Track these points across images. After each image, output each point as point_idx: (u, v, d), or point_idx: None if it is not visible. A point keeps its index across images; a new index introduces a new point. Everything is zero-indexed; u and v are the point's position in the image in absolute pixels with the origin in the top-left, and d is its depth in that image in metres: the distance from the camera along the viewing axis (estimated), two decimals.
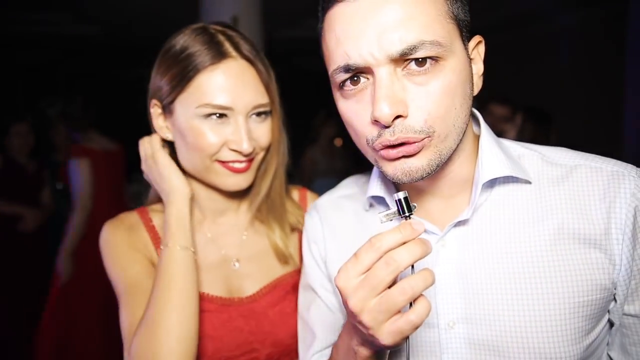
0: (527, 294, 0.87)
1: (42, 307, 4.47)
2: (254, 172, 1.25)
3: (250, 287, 1.27)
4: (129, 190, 7.33)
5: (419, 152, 0.81)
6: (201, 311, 1.17)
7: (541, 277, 0.87)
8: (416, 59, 0.77)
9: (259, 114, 1.20)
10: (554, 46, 7.56)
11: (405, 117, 0.78)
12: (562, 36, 7.44)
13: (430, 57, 0.77)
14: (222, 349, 1.18)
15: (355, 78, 0.81)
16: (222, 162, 1.18)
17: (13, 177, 4.18)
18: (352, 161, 5.09)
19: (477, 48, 0.90)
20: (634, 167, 0.91)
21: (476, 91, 0.90)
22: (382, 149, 0.82)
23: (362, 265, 0.71)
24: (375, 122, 0.80)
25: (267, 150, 1.26)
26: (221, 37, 1.17)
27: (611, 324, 0.93)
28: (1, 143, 4.22)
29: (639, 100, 5.54)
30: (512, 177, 0.92)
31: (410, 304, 0.71)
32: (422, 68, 0.78)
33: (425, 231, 0.95)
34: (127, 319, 1.11)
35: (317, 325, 1.12)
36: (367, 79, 0.81)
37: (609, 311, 0.91)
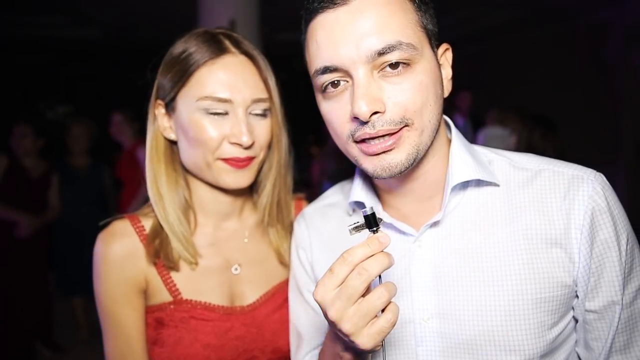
0: (494, 290, 0.94)
1: (46, 315, 4.49)
2: (255, 170, 1.24)
3: (250, 293, 1.28)
4: None
5: (397, 145, 0.88)
6: (203, 320, 1.19)
7: (507, 274, 0.93)
8: (390, 63, 0.85)
9: (258, 112, 1.20)
10: (555, 50, 7.59)
11: (383, 112, 0.86)
12: (563, 40, 7.47)
13: (403, 62, 0.86)
14: (224, 358, 1.19)
15: (336, 82, 0.89)
16: (223, 159, 1.18)
17: (16, 179, 4.18)
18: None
19: (445, 55, 0.99)
20: (594, 171, 0.97)
21: (446, 94, 0.97)
22: (362, 142, 0.89)
23: (337, 278, 0.78)
24: (355, 118, 0.87)
25: (269, 150, 1.27)
26: (221, 36, 1.21)
27: (576, 320, 0.98)
28: (7, 144, 4.25)
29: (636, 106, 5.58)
30: (483, 180, 0.99)
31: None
32: (395, 70, 0.86)
33: (403, 233, 1.02)
34: (105, 342, 1.22)
35: (304, 327, 1.18)
36: (347, 81, 0.89)
37: (573, 308, 0.97)
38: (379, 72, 0.87)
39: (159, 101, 1.24)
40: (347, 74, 0.87)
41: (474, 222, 0.98)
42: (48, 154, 4.53)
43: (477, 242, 0.97)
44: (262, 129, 1.21)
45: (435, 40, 0.94)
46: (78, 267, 4.65)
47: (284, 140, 1.29)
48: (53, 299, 4.72)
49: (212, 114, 1.15)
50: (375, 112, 0.86)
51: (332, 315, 0.77)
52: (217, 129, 1.15)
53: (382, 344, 0.80)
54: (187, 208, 1.26)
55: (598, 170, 0.98)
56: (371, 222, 0.79)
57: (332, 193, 1.25)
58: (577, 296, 0.95)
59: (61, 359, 4.56)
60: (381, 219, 0.81)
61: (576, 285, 0.93)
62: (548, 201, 0.95)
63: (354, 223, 0.81)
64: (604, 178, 0.96)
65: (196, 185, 1.27)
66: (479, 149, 1.07)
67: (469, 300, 0.95)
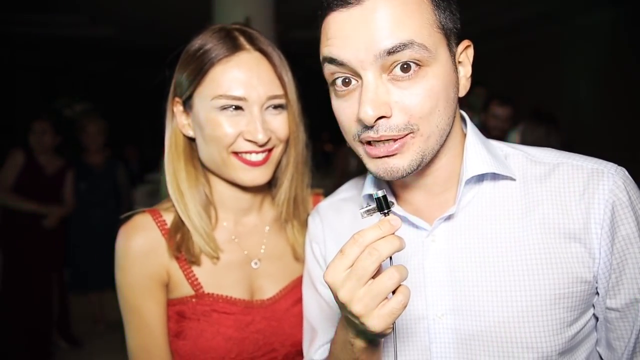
0: (511, 286, 0.92)
1: (62, 308, 4.61)
2: (273, 166, 1.24)
3: (270, 287, 1.29)
4: (144, 189, 7.43)
5: (401, 151, 0.87)
6: (225, 314, 1.21)
7: (524, 269, 0.92)
8: (401, 65, 0.83)
9: (274, 107, 1.20)
10: (577, 46, 7.47)
11: (389, 117, 0.85)
12: (586, 36, 7.35)
13: (415, 62, 0.83)
14: (245, 351, 1.21)
15: (347, 80, 0.88)
16: (238, 155, 1.18)
17: (32, 175, 4.27)
18: None
19: (466, 52, 0.96)
20: (614, 165, 0.94)
21: (463, 93, 0.95)
22: (367, 143, 0.89)
23: (348, 259, 0.77)
24: (360, 121, 0.86)
25: (286, 145, 1.27)
26: (236, 33, 1.21)
27: (597, 318, 0.96)
28: (25, 141, 4.34)
29: None
30: (499, 174, 0.97)
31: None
32: (406, 74, 0.84)
33: (416, 227, 1.01)
34: (127, 335, 1.22)
35: (318, 321, 1.18)
36: (357, 81, 0.88)
37: (593, 305, 0.94)
38: (388, 74, 0.85)
39: (177, 99, 1.25)
40: (356, 73, 0.86)
41: (489, 217, 0.97)
42: (64, 151, 4.61)
43: (492, 237, 0.95)
44: (279, 123, 1.21)
45: (454, 39, 0.92)
46: (93, 263, 4.75)
47: (301, 136, 1.29)
48: (69, 293, 4.82)
49: (227, 110, 1.16)
50: (381, 117, 0.84)
51: (343, 296, 0.77)
52: (232, 125, 1.16)
53: (393, 328, 0.79)
54: (208, 204, 1.27)
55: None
56: (382, 205, 0.79)
57: (346, 188, 1.25)
58: (597, 293, 0.93)
59: (78, 352, 4.65)
60: (393, 202, 0.81)
61: (596, 282, 0.91)
62: (566, 195, 0.93)
63: (366, 206, 0.81)
64: (626, 172, 0.93)
65: (215, 181, 1.28)
66: (495, 143, 1.05)
67: (485, 296, 0.93)
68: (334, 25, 0.87)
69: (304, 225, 1.33)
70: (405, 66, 0.83)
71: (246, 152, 1.18)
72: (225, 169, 1.20)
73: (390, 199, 0.96)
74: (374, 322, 0.76)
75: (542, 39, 7.90)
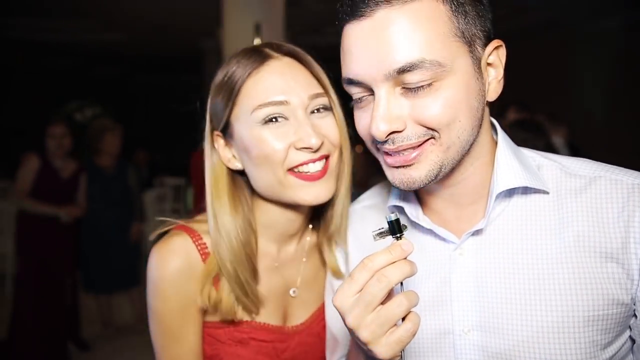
0: (540, 304, 0.88)
1: (74, 312, 4.64)
2: (333, 178, 1.13)
3: (302, 313, 1.26)
4: (152, 194, 7.46)
5: (419, 161, 0.85)
6: (263, 342, 1.18)
7: (556, 288, 0.88)
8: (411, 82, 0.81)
9: (318, 110, 1.12)
10: (586, 53, 7.41)
11: (402, 130, 0.83)
12: (595, 43, 7.29)
13: (424, 84, 0.81)
14: None
15: (362, 95, 0.88)
16: (295, 172, 1.09)
17: (47, 180, 4.31)
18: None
19: (497, 52, 0.89)
20: None
21: (494, 97, 0.91)
22: (384, 153, 0.88)
23: (357, 284, 0.76)
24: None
25: (340, 153, 1.16)
26: (260, 47, 1.16)
27: (633, 341, 0.91)
28: (39, 145, 4.38)
29: None
30: (530, 187, 0.93)
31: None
32: (417, 87, 0.82)
33: (443, 239, 0.98)
34: (162, 357, 1.15)
35: (340, 331, 1.15)
36: (372, 95, 0.86)
37: (630, 328, 0.90)
38: (401, 88, 0.82)
39: (216, 132, 1.17)
40: (370, 88, 0.85)
41: (519, 231, 0.93)
42: (76, 155, 4.64)
43: (523, 253, 0.91)
44: (328, 125, 1.12)
45: (481, 42, 0.86)
46: (103, 266, 4.77)
47: (348, 147, 1.18)
48: (82, 291, 4.85)
49: (271, 121, 1.08)
50: (393, 132, 0.83)
51: (350, 322, 0.76)
52: (279, 138, 1.07)
53: (401, 355, 0.78)
54: (250, 241, 1.18)
55: None
56: (395, 229, 0.77)
57: (370, 195, 1.21)
58: (635, 315, 0.88)
59: (86, 356, 4.64)
60: (405, 226, 0.78)
61: (634, 304, 0.86)
62: (604, 211, 0.88)
63: (379, 229, 0.79)
64: None
65: (268, 208, 1.19)
66: (527, 152, 1.01)
67: (514, 313, 0.90)
68: (347, 39, 0.86)
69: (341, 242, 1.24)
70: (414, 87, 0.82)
71: (302, 164, 1.09)
72: (283, 190, 1.10)
73: (418, 220, 0.95)
74: (382, 350, 0.75)
75: (551, 45, 7.86)
